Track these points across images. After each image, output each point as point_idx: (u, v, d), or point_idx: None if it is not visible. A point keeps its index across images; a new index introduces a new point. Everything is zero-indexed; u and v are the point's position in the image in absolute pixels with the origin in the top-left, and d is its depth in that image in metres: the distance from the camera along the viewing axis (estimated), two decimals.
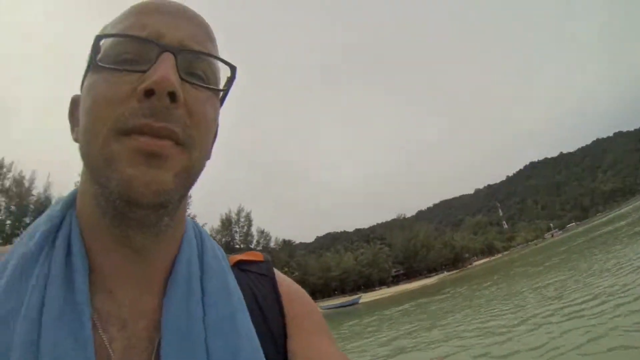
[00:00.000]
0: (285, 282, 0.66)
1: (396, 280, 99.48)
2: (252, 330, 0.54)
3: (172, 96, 0.45)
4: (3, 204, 53.13)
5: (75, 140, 0.52)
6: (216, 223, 71.00)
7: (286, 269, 78.80)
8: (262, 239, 74.01)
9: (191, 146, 0.48)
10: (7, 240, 52.11)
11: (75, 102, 0.56)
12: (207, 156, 0.54)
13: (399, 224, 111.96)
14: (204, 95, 0.50)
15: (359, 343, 12.98)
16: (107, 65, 0.47)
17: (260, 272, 0.65)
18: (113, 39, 0.49)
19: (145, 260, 0.52)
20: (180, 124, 0.46)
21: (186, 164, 0.48)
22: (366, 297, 55.12)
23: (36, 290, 0.47)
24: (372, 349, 11.04)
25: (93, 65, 0.49)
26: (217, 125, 0.56)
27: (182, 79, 0.47)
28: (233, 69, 0.53)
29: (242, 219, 71.84)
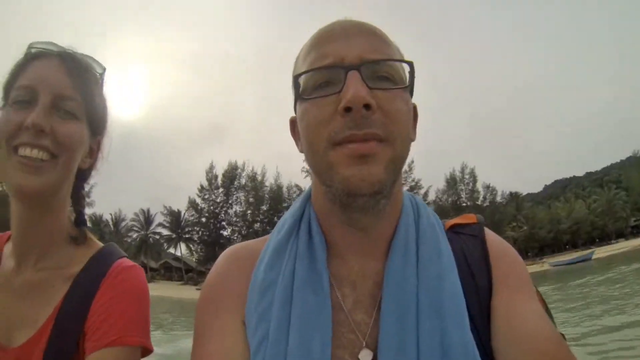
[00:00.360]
0: (494, 241, 0.69)
1: (636, 231, 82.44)
2: (457, 288, 0.60)
3: (367, 106, 0.53)
4: (242, 197, 64.73)
5: (301, 151, 0.66)
6: (441, 184, 69.83)
7: (514, 224, 73.07)
8: (488, 194, 70.60)
9: (393, 140, 0.56)
10: (250, 225, 63.69)
11: (293, 122, 0.69)
12: (410, 139, 0.62)
13: (637, 162, 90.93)
14: (393, 94, 0.57)
15: (582, 303, 11.57)
16: (309, 97, 0.58)
17: (472, 233, 0.70)
18: (307, 74, 0.59)
19: (369, 235, 0.64)
20: (380, 125, 0.55)
21: (391, 155, 0.56)
22: (600, 252, 46.79)
23: (289, 264, 0.63)
24: (597, 313, 9.52)
25: (299, 98, 0.61)
26: (411, 111, 0.63)
27: (370, 87, 0.55)
28: (410, 64, 0.60)
29: (467, 176, 69.37)
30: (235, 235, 64.97)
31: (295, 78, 0.60)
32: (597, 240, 79.26)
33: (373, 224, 0.63)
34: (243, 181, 66.08)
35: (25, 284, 0.79)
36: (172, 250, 68.06)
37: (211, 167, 65.64)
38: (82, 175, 0.88)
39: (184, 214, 66.39)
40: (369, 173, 0.54)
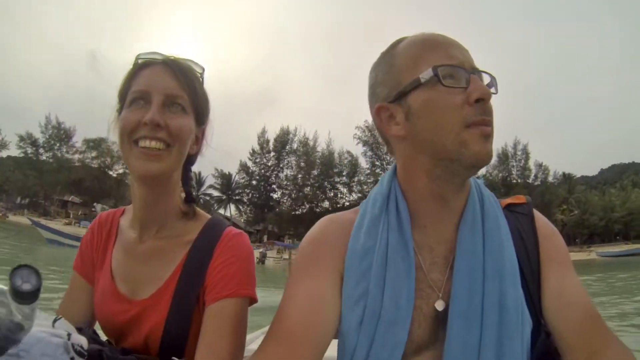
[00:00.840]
0: (541, 221, 0.86)
1: None
2: (513, 256, 0.76)
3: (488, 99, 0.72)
4: (294, 162, 66.33)
5: (397, 135, 0.78)
6: (493, 159, 67.75)
7: (564, 207, 70.70)
8: (540, 173, 67.51)
9: (493, 128, 0.73)
10: (300, 189, 66.03)
11: (382, 109, 0.80)
12: None
13: None
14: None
15: (620, 300, 11.30)
16: (449, 86, 0.71)
17: (523, 212, 0.86)
18: (441, 67, 0.72)
19: (448, 206, 0.78)
20: (491, 115, 0.72)
21: (492, 140, 0.73)
22: None
23: (384, 234, 0.78)
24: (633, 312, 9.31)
25: (429, 85, 0.72)
26: None
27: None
28: (492, 77, 0.78)
29: (519, 152, 66.52)
30: (285, 198, 67.19)
31: (434, 68, 0.72)
32: None
33: (454, 197, 0.78)
34: (295, 146, 67.19)
35: (148, 250, 0.96)
36: (222, 210, 70.65)
37: (263, 132, 67.14)
38: (190, 160, 1.02)
39: (235, 176, 68.63)
40: (490, 150, 0.71)
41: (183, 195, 1.03)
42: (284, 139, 66.63)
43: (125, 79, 0.92)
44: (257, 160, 67.42)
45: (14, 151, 65.82)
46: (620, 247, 55.29)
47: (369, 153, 64.15)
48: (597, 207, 72.44)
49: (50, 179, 62.25)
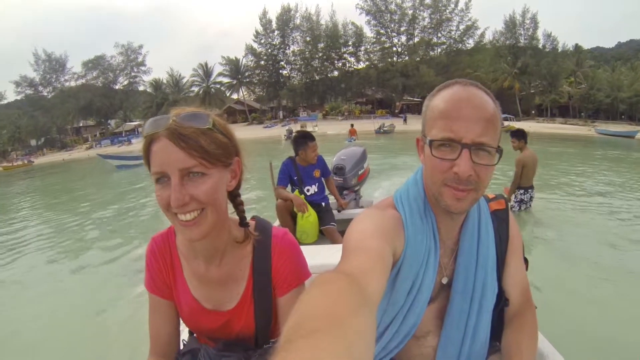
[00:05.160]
0: (512, 222, 1.18)
1: None
2: (493, 253, 1.09)
3: (469, 176, 0.89)
4: (299, 37, 66.49)
5: (423, 162, 1.02)
6: (499, 25, 64.56)
7: (571, 79, 69.14)
8: (549, 43, 64.16)
9: (478, 189, 0.92)
10: (308, 63, 65.46)
11: (419, 139, 1.03)
12: (487, 186, 0.97)
13: None
14: (486, 168, 0.91)
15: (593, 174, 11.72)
16: (436, 156, 0.92)
17: (502, 216, 1.17)
18: (436, 141, 0.92)
19: (455, 221, 1.07)
20: (474, 183, 0.90)
21: (475, 197, 0.94)
22: None
23: (429, 230, 1.05)
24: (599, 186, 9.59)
25: (428, 146, 0.94)
26: (493, 171, 0.94)
27: (474, 162, 0.88)
28: (499, 151, 0.92)
29: (527, 21, 62.65)
30: (295, 72, 67.95)
31: (430, 142, 0.93)
32: None
33: (459, 217, 1.07)
34: (298, 22, 66.21)
35: (219, 276, 1.11)
36: (234, 95, 71.56)
37: (264, 13, 66.14)
38: (234, 191, 1.08)
39: (242, 60, 68.41)
40: (461, 206, 0.94)
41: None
42: (285, 16, 65.55)
43: (144, 156, 0.93)
44: (262, 41, 66.73)
45: (12, 100, 66.05)
46: (623, 127, 52.79)
47: (373, 22, 63.04)
48: (604, 84, 70.23)
49: (59, 112, 62.67)
